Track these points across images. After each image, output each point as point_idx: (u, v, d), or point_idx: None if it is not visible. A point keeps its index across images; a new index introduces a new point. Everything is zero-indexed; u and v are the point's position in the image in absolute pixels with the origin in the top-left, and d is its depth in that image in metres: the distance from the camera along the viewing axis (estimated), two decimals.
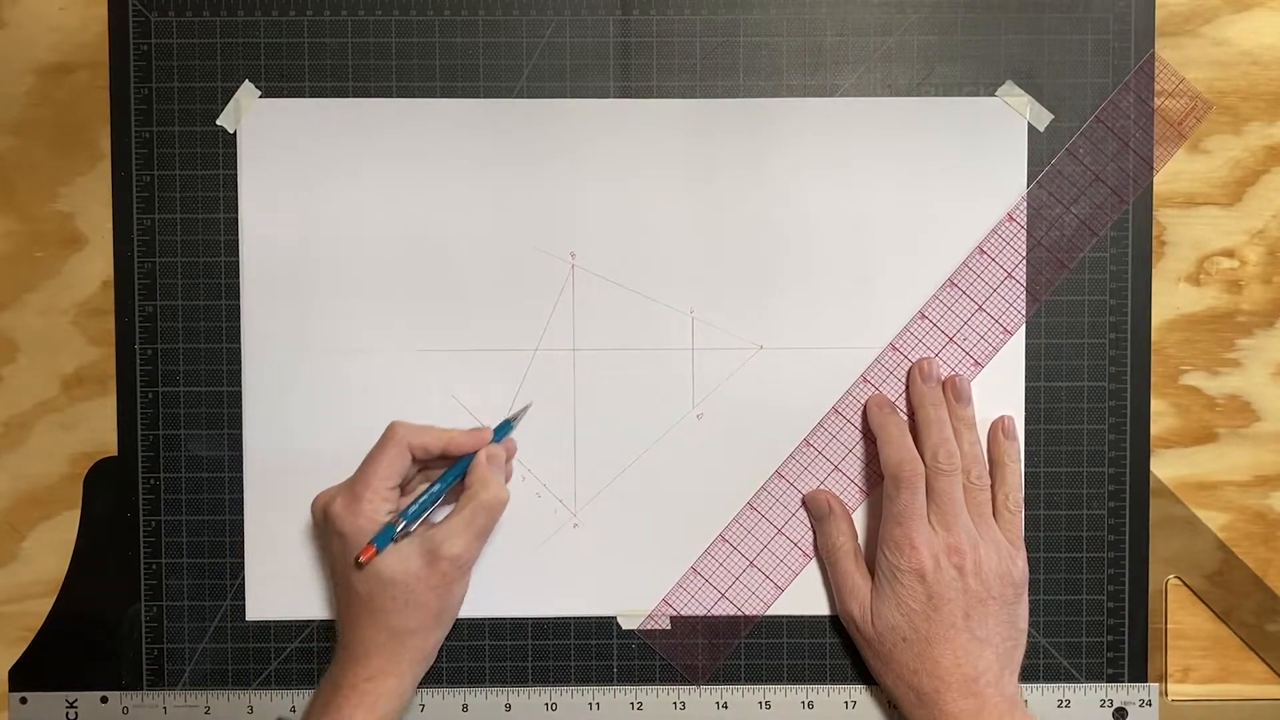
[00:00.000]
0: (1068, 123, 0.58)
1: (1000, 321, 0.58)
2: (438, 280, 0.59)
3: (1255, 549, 0.60)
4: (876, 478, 0.58)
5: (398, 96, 0.58)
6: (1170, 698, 0.60)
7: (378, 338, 0.59)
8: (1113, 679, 0.59)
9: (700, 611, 0.59)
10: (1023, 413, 0.59)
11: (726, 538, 0.59)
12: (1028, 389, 0.59)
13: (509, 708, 0.59)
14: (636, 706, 0.59)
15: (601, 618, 0.59)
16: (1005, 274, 0.58)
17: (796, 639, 0.59)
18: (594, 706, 0.59)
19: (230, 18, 0.58)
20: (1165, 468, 0.59)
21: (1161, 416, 0.59)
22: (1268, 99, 0.59)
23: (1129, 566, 0.59)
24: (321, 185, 0.58)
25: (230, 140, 0.58)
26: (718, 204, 0.59)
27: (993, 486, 0.57)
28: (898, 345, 0.58)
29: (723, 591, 0.59)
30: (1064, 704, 0.59)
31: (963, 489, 0.55)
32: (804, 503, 0.59)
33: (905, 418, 0.58)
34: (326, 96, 0.58)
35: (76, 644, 0.59)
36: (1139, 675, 0.59)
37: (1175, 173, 0.59)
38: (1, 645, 0.60)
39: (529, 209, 0.59)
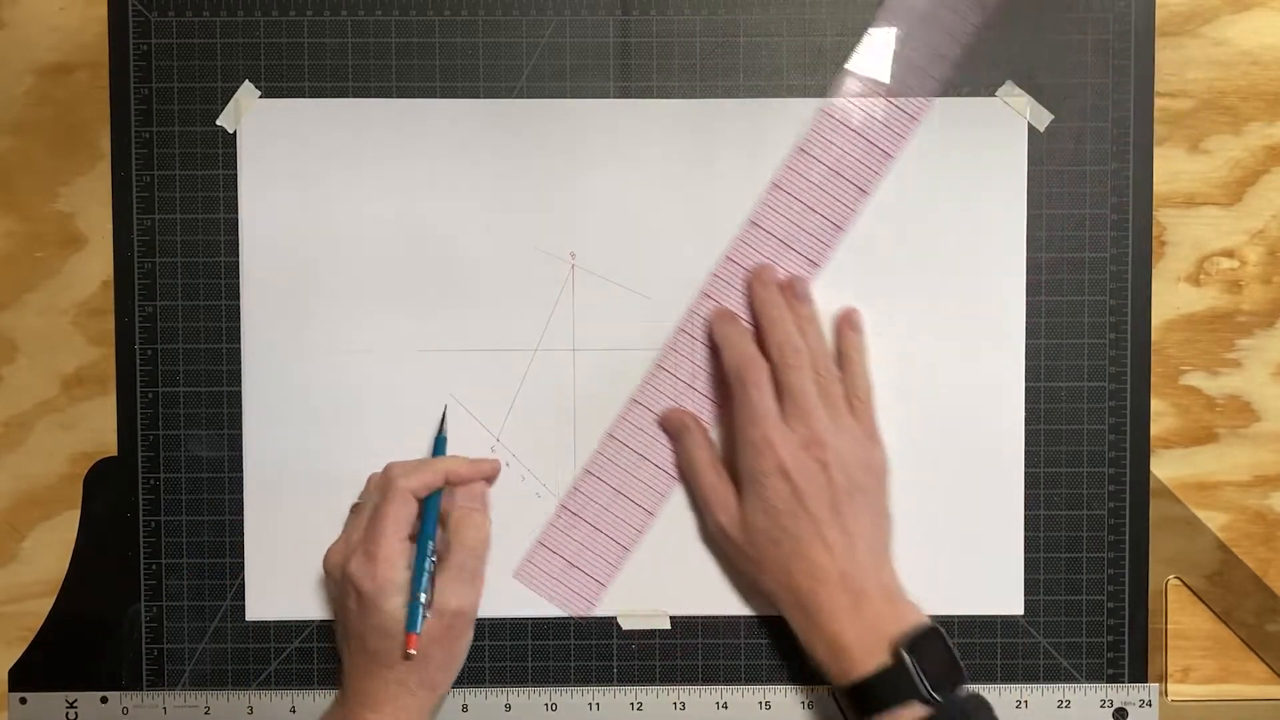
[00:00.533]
0: (1068, 123, 0.58)
1: (832, 219, 0.58)
2: (438, 280, 0.59)
3: (1255, 549, 0.60)
4: (730, 390, 0.57)
5: (398, 96, 0.58)
6: (1170, 698, 0.60)
7: (378, 338, 0.59)
8: (1113, 679, 0.59)
9: (575, 548, 0.59)
10: (1022, 413, 0.59)
11: (591, 470, 0.58)
12: (1028, 389, 0.59)
13: (509, 708, 0.59)
14: (636, 706, 0.59)
15: (601, 618, 0.59)
16: (830, 170, 0.58)
17: (797, 640, 0.59)
18: (594, 706, 0.59)
19: (230, 18, 0.58)
20: (1165, 468, 0.59)
21: (1161, 416, 0.59)
22: (1268, 99, 0.59)
23: (1129, 566, 0.59)
24: (321, 185, 0.58)
25: (230, 140, 0.58)
26: (718, 204, 0.59)
27: (842, 381, 0.57)
28: (733, 256, 0.58)
29: (595, 525, 0.59)
30: (1064, 704, 0.59)
31: (814, 385, 0.55)
32: (660, 424, 0.58)
33: (746, 327, 0.57)
34: (326, 96, 0.58)
35: (76, 644, 0.59)
36: (1139, 675, 0.59)
37: (1175, 173, 0.59)
38: (1, 645, 0.60)
39: (529, 209, 0.59)
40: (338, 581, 0.55)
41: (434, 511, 0.56)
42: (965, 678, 0.52)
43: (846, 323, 0.57)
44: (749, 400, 0.55)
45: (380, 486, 0.56)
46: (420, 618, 0.53)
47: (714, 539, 0.58)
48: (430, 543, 0.55)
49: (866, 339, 0.58)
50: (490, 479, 0.58)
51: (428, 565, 0.54)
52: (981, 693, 0.53)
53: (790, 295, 0.57)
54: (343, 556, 0.55)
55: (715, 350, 0.58)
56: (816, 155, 0.58)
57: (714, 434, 0.58)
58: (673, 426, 0.58)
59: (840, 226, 0.58)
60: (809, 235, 0.58)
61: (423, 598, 0.53)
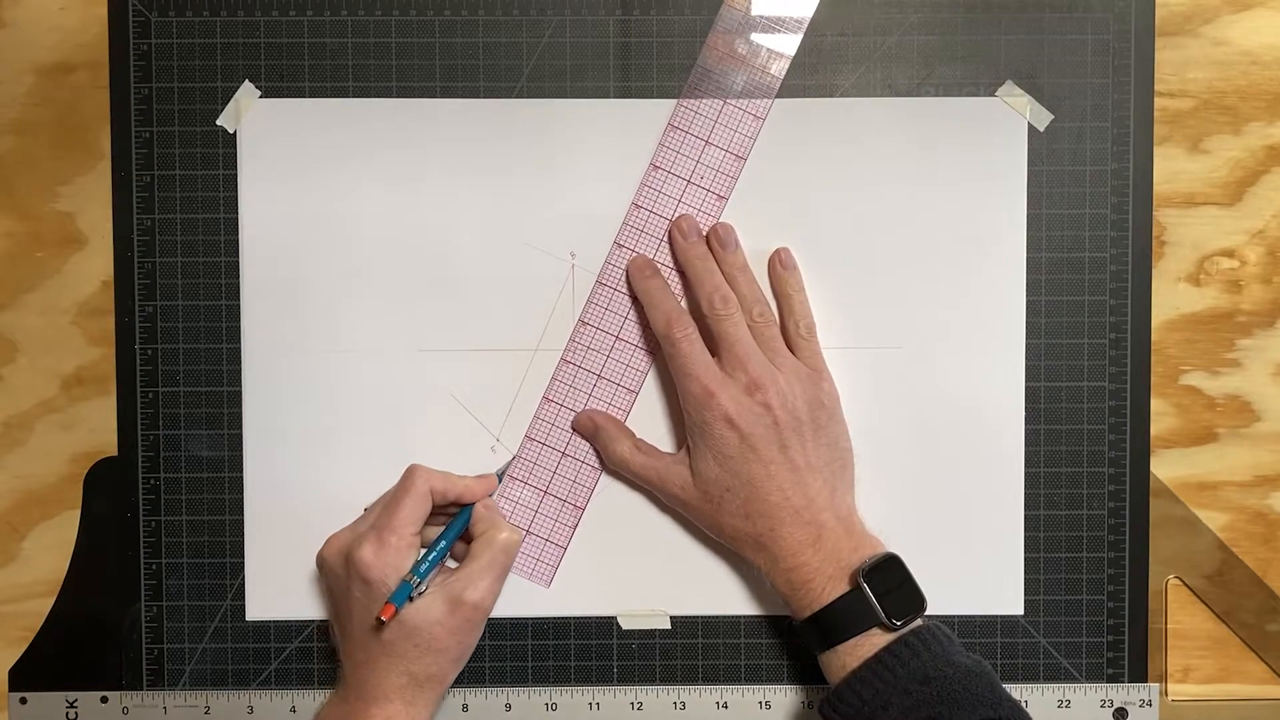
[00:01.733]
0: (1068, 123, 0.58)
1: (731, 150, 0.58)
2: (438, 280, 0.59)
3: (1255, 549, 0.60)
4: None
5: (398, 96, 0.58)
6: (1170, 698, 0.60)
7: (378, 338, 0.59)
8: (1113, 679, 0.59)
9: (527, 515, 0.59)
10: (1023, 413, 0.59)
11: (533, 436, 0.59)
12: (1028, 389, 0.59)
13: (509, 708, 0.59)
14: (636, 706, 0.59)
15: (601, 618, 0.59)
16: (721, 102, 0.58)
17: (797, 638, 0.59)
18: (594, 706, 0.59)
19: (230, 18, 0.58)
20: (1165, 468, 0.59)
21: (1161, 416, 0.59)
22: (1268, 99, 0.59)
23: (1129, 566, 0.59)
24: (321, 185, 0.58)
25: (230, 140, 0.58)
26: None
27: (783, 320, 0.57)
28: (640, 202, 0.58)
29: (545, 490, 0.59)
30: (1064, 704, 0.59)
31: (748, 330, 0.55)
32: (574, 430, 0.58)
33: (665, 281, 0.57)
34: (326, 96, 0.58)
35: (76, 644, 0.59)
36: (1139, 675, 0.59)
37: (1175, 173, 0.59)
38: (1, 645, 0.60)
39: (529, 209, 0.59)
40: (341, 568, 0.54)
41: (463, 519, 0.56)
42: (924, 604, 0.53)
43: (779, 263, 0.58)
44: (681, 355, 0.55)
45: (400, 482, 0.56)
46: (405, 599, 0.52)
47: (673, 506, 0.58)
48: (446, 543, 0.55)
49: (800, 275, 0.58)
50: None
51: (433, 557, 0.54)
52: None
53: (717, 244, 0.57)
54: (348, 543, 0.54)
55: (639, 300, 0.58)
56: (704, 91, 0.58)
57: (653, 384, 0.59)
58: (585, 429, 0.58)
59: (741, 157, 0.58)
60: (710, 169, 0.58)
61: (416, 583, 0.53)
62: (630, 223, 0.58)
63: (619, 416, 0.59)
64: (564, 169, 0.58)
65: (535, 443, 0.59)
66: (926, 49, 0.58)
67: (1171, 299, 0.59)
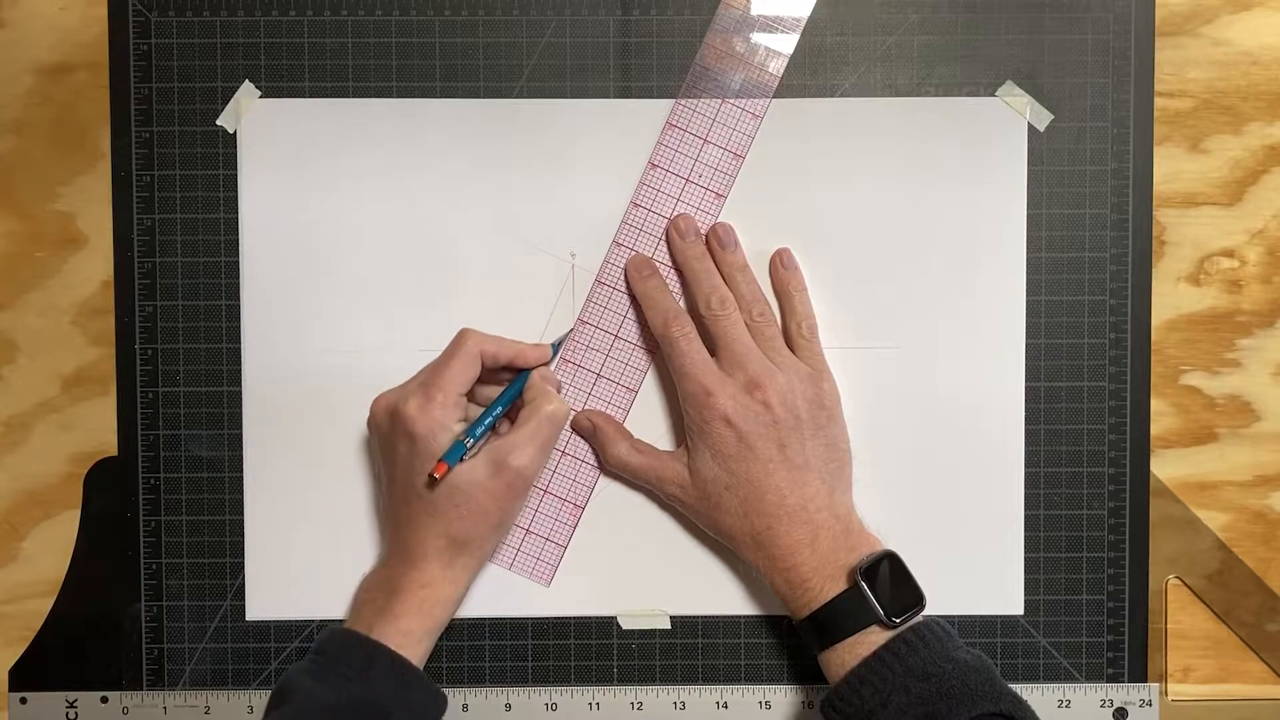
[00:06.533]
0: (1068, 123, 0.58)
1: (729, 149, 0.58)
2: (438, 280, 0.59)
3: (1255, 549, 0.60)
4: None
5: (398, 96, 0.58)
6: (1170, 698, 0.60)
7: (378, 338, 0.59)
8: (1113, 679, 0.59)
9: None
10: (1023, 413, 0.59)
11: None
12: (1028, 389, 0.59)
13: (509, 708, 0.59)
14: (636, 706, 0.59)
15: (601, 618, 0.59)
16: (719, 101, 0.58)
17: (796, 639, 0.59)
18: (594, 706, 0.59)
19: (230, 18, 0.58)
20: (1165, 468, 0.59)
21: (1161, 416, 0.59)
22: (1268, 99, 0.59)
23: (1129, 566, 0.59)
24: (321, 185, 0.58)
25: (230, 140, 0.58)
26: None
27: (785, 320, 0.57)
28: (639, 201, 0.58)
29: (544, 488, 0.59)
30: (1064, 704, 0.59)
31: (747, 330, 0.55)
32: (574, 430, 0.58)
33: (664, 280, 0.57)
34: (326, 96, 0.58)
35: (76, 644, 0.59)
36: (1139, 675, 0.59)
37: (1175, 173, 0.59)
38: (1, 645, 0.60)
39: (529, 209, 0.59)
40: (388, 425, 0.54)
41: (516, 388, 0.56)
42: (923, 600, 0.53)
43: (780, 263, 0.58)
44: (679, 354, 0.55)
45: (451, 343, 0.55)
46: (458, 458, 0.52)
47: (671, 504, 0.58)
48: (502, 407, 0.55)
49: (802, 275, 0.58)
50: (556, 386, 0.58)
51: (488, 420, 0.54)
52: None
53: (716, 244, 0.57)
54: (395, 400, 0.54)
55: (638, 299, 0.58)
56: (701, 90, 0.58)
57: (652, 382, 0.59)
58: (583, 430, 0.58)
59: (739, 155, 0.58)
60: (708, 167, 0.58)
61: (470, 443, 0.52)
62: (629, 221, 0.58)
63: (619, 415, 0.59)
64: (564, 169, 0.58)
65: None
66: (926, 49, 0.58)
67: (1171, 299, 0.59)
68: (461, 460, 0.52)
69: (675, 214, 0.58)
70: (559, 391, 0.57)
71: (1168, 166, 0.59)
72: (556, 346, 0.58)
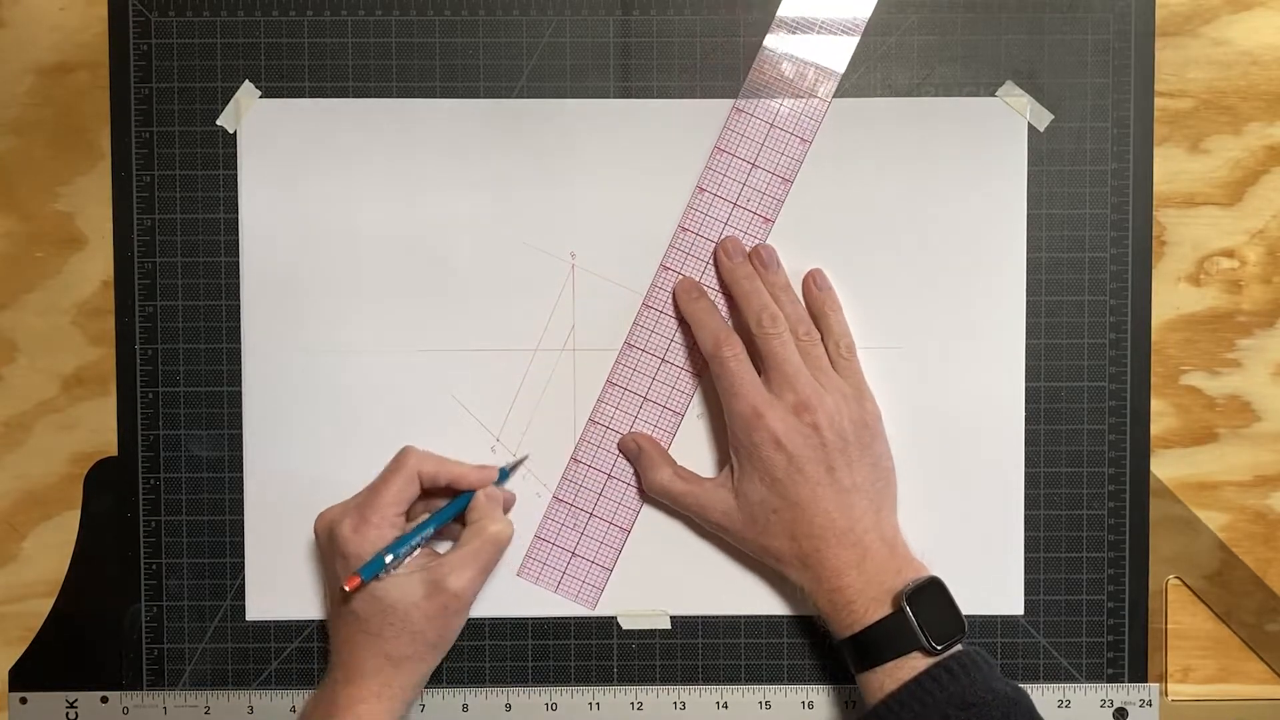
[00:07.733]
0: (1068, 123, 0.58)
1: (777, 173, 0.58)
2: (437, 280, 0.59)
3: (1255, 549, 0.60)
4: (704, 358, 0.57)
5: (398, 96, 0.58)
6: (1170, 698, 0.60)
7: (378, 338, 0.59)
8: (1113, 679, 0.59)
9: (574, 537, 0.59)
10: (1023, 413, 0.59)
11: (578, 458, 0.59)
12: (1028, 389, 0.59)
13: (509, 708, 0.59)
14: (636, 706, 0.59)
15: (601, 618, 0.59)
16: (768, 125, 0.58)
17: (796, 639, 0.59)
18: (594, 706, 0.59)
19: (230, 18, 0.58)
20: (1165, 468, 0.59)
21: (1161, 416, 0.59)
22: (1268, 99, 0.59)
23: (1129, 566, 0.59)
24: (321, 185, 0.58)
25: (230, 140, 0.58)
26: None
27: (822, 340, 0.57)
28: (687, 225, 0.58)
29: (590, 511, 0.59)
30: (1064, 704, 0.59)
31: (796, 349, 0.55)
32: (619, 451, 0.59)
33: (713, 302, 0.58)
34: (326, 96, 0.58)
35: (76, 644, 0.59)
36: (1139, 675, 0.59)
37: (1175, 173, 0.59)
38: (1, 645, 0.60)
39: (529, 209, 0.59)
40: (326, 543, 0.55)
41: (459, 506, 0.56)
42: (965, 629, 0.52)
43: (814, 284, 0.58)
44: (729, 374, 0.55)
45: (391, 461, 0.56)
46: (377, 573, 0.52)
47: (713, 531, 0.58)
48: (431, 526, 0.55)
49: (836, 295, 0.58)
50: (506, 506, 0.58)
51: (414, 540, 0.54)
52: None
53: (759, 264, 0.57)
54: (334, 519, 0.54)
55: (685, 322, 0.58)
56: (751, 111, 0.58)
57: (698, 408, 0.59)
58: (628, 453, 0.58)
59: (788, 180, 0.58)
60: (756, 191, 0.58)
61: (389, 560, 0.52)
62: (676, 245, 0.58)
63: (664, 439, 0.59)
64: (564, 169, 0.58)
65: (581, 465, 0.59)
66: (926, 49, 0.58)
67: (1171, 299, 0.59)
68: (380, 577, 0.52)
69: (723, 237, 0.58)
70: (508, 510, 0.58)
71: (1168, 166, 0.59)
72: (507, 471, 0.58)
